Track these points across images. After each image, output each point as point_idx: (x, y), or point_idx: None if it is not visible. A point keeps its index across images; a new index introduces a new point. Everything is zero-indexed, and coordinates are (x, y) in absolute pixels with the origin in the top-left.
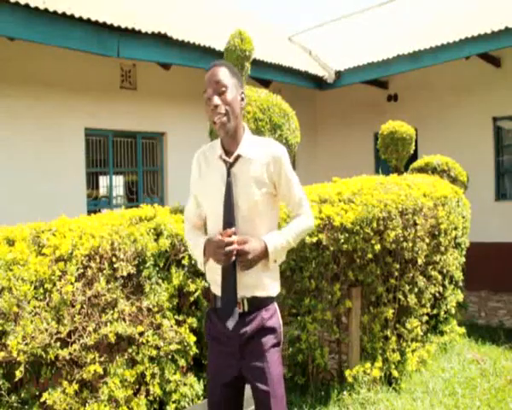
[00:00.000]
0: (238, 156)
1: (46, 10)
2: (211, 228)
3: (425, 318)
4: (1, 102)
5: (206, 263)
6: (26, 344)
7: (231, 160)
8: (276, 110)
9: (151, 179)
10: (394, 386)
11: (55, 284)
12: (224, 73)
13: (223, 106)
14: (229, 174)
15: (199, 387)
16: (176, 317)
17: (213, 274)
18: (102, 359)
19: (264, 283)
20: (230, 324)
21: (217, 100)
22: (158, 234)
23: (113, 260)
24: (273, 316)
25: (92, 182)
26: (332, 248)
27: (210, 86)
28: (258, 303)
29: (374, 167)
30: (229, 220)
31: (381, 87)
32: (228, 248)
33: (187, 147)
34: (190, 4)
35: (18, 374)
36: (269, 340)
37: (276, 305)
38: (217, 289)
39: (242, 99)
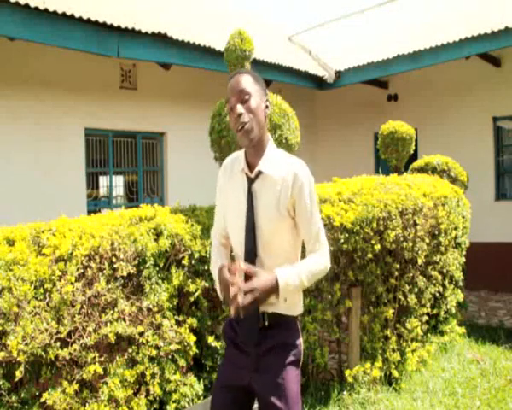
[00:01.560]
0: (259, 172)
1: (46, 10)
2: (233, 243)
3: (425, 318)
4: (1, 102)
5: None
6: (26, 344)
7: (253, 175)
8: (276, 110)
9: (151, 179)
10: (394, 386)
11: (55, 284)
12: (246, 80)
13: (246, 114)
14: (250, 190)
15: (199, 387)
16: (176, 317)
17: None
18: (102, 359)
19: (287, 299)
20: (250, 338)
21: (240, 108)
22: (158, 234)
23: (113, 260)
24: (294, 334)
25: (92, 182)
26: (332, 248)
27: (233, 95)
28: (278, 319)
29: (374, 167)
30: (250, 238)
31: (381, 87)
32: (232, 292)
33: (187, 147)
34: (190, 4)
35: (18, 374)
36: (288, 356)
37: (298, 324)
38: None
39: (267, 107)
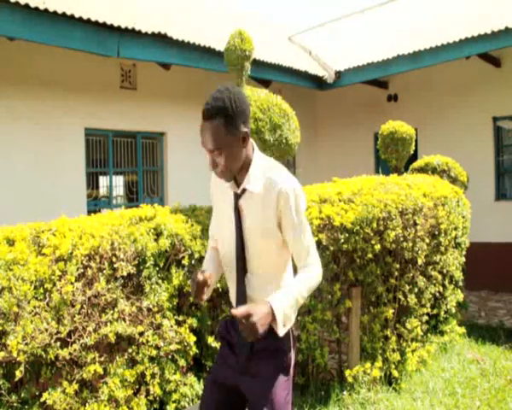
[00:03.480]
0: (244, 189)
1: (46, 10)
2: (223, 256)
3: (425, 318)
4: (1, 102)
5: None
6: (26, 344)
7: (239, 191)
8: (276, 110)
9: (151, 179)
10: (394, 386)
11: (55, 284)
12: (216, 134)
13: (220, 166)
14: (236, 206)
15: (199, 387)
16: (176, 317)
17: (229, 286)
18: (102, 359)
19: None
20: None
21: (212, 160)
22: (158, 234)
23: (113, 260)
24: (287, 341)
25: (92, 182)
26: (332, 248)
27: (206, 149)
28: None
29: (374, 167)
30: (239, 254)
31: (381, 87)
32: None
33: (187, 147)
34: (190, 4)
35: (18, 374)
36: (278, 362)
37: (293, 332)
38: (233, 298)
39: (244, 139)
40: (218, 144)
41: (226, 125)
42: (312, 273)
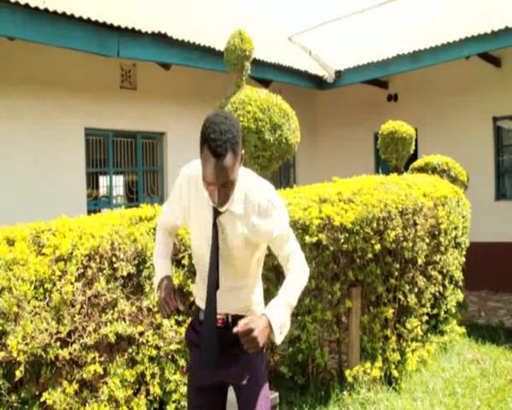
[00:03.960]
0: (226, 210)
1: (46, 10)
2: (196, 262)
3: (425, 317)
4: (1, 102)
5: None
6: (26, 344)
7: (222, 210)
8: (276, 110)
9: (151, 179)
10: (394, 386)
11: (55, 284)
12: (230, 168)
13: (223, 195)
14: (215, 222)
15: None
16: (176, 317)
17: (197, 290)
18: (102, 359)
19: (248, 306)
20: (208, 360)
21: (218, 193)
22: None
23: (113, 260)
24: None
25: (92, 182)
26: (332, 248)
27: (212, 180)
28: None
29: (374, 167)
30: (213, 265)
31: (381, 87)
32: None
33: (187, 147)
34: (190, 4)
35: (18, 374)
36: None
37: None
38: (200, 303)
39: (241, 160)
40: (232, 177)
41: (235, 156)
42: (301, 277)
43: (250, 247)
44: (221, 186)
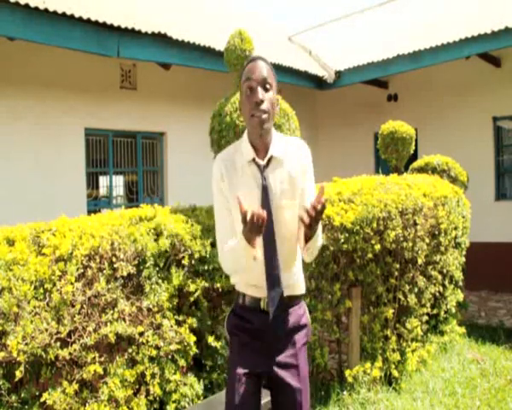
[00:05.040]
0: (271, 158)
1: (46, 10)
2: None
3: (425, 318)
4: (1, 102)
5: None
6: (26, 344)
7: (264, 162)
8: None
9: (151, 179)
10: (394, 386)
11: (55, 284)
12: (269, 71)
13: (266, 103)
14: (264, 178)
15: (199, 387)
16: (176, 317)
17: (250, 274)
18: (102, 359)
19: (299, 280)
20: (273, 313)
21: (262, 94)
22: (158, 234)
23: (113, 260)
24: (305, 313)
25: (92, 182)
26: (332, 248)
27: (255, 78)
28: (294, 300)
29: (374, 167)
30: (268, 227)
31: (381, 87)
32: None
33: (187, 147)
34: (190, 4)
35: (18, 374)
36: (301, 338)
37: (304, 303)
38: (246, 288)
39: (277, 101)
40: (270, 78)
41: (273, 75)
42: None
43: (296, 195)
44: (261, 84)
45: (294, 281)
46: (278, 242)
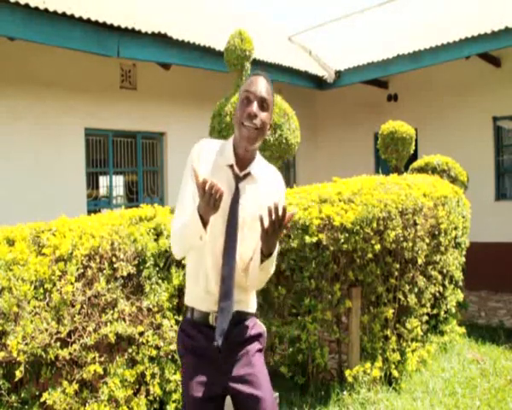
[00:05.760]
0: (249, 173)
1: (46, 10)
2: (200, 254)
3: (425, 318)
4: (1, 102)
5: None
6: (26, 344)
7: (241, 174)
8: (276, 110)
9: (151, 179)
10: (394, 386)
11: (55, 284)
12: (269, 92)
13: (259, 120)
14: (238, 188)
15: None
16: (176, 317)
17: (193, 287)
18: (102, 359)
19: (250, 299)
20: (219, 338)
21: (257, 110)
22: (158, 234)
23: (113, 260)
24: (255, 324)
25: (92, 182)
26: (332, 248)
27: (254, 95)
28: (243, 316)
29: (374, 167)
30: (232, 234)
31: (381, 87)
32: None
33: (187, 147)
34: (190, 4)
35: (18, 374)
36: (254, 346)
37: (256, 318)
38: (196, 303)
39: (269, 128)
40: (269, 99)
41: (273, 98)
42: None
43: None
44: (259, 101)
45: (245, 298)
46: (240, 249)
